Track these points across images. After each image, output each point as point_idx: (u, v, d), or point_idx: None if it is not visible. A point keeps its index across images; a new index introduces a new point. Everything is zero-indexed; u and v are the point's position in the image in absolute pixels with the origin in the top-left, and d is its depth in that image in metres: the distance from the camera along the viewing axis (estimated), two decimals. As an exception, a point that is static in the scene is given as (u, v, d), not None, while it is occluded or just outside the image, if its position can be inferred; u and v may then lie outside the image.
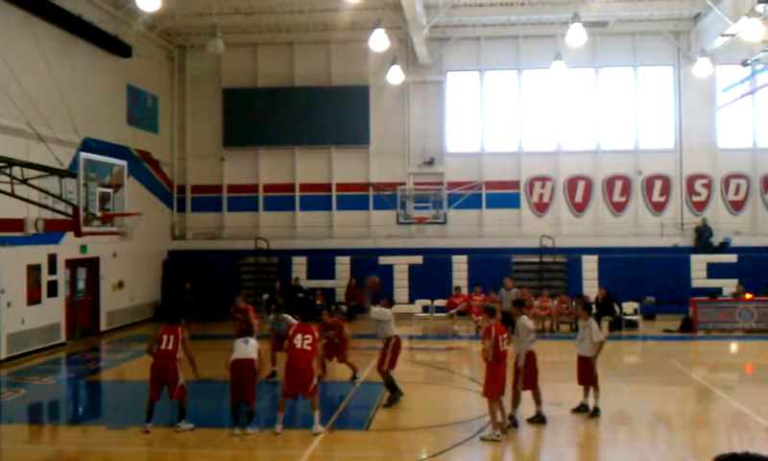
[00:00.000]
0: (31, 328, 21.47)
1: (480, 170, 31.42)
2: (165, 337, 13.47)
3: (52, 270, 22.74)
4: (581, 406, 14.15)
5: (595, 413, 13.90)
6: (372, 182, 31.79)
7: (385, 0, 26.89)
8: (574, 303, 20.89)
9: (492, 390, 12.62)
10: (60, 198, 16.30)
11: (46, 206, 17.10)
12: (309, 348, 13.24)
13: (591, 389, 14.08)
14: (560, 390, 15.27)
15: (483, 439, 12.51)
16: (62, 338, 23.16)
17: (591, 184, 31.27)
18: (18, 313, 20.90)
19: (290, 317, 17.24)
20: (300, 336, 13.35)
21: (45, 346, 22.07)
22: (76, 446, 13.11)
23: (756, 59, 25.65)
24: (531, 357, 13.51)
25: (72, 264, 24.26)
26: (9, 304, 20.54)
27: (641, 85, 31.23)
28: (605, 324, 25.35)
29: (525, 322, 13.69)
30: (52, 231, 21.55)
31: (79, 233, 15.72)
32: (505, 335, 12.78)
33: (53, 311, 22.74)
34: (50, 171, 16.42)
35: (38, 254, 21.97)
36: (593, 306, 25.41)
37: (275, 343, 17.45)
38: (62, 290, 23.39)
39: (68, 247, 23.06)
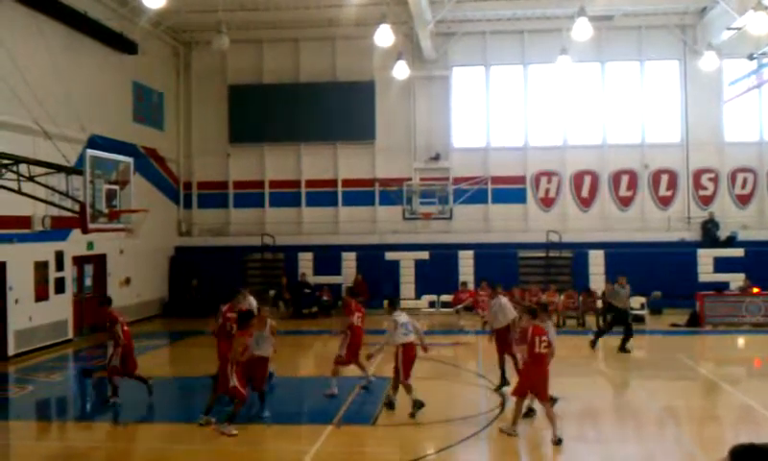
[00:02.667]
0: (38, 325, 21.54)
1: (486, 165, 31.40)
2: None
3: (59, 267, 22.81)
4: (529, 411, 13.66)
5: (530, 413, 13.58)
6: (378, 178, 31.79)
7: (390, -5, 26.87)
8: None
9: (520, 388, 12.64)
10: (66, 195, 16.36)
11: (53, 204, 17.18)
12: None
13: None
14: (565, 385, 15.23)
15: (501, 430, 12.62)
16: (70, 335, 23.23)
17: (598, 179, 31.22)
18: (26, 310, 20.97)
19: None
20: (357, 315, 15.71)
21: (52, 342, 22.14)
22: (82, 442, 13.15)
23: (763, 52, 25.58)
24: (406, 349, 13.97)
25: (79, 261, 24.32)
26: (16, 301, 20.60)
27: (647, 80, 31.14)
28: (610, 318, 25.31)
29: (396, 316, 14.17)
30: (59, 228, 21.73)
31: (86, 230, 15.77)
32: (544, 338, 12.46)
33: (60, 308, 22.80)
34: (56, 168, 16.48)
35: (46, 250, 22.04)
36: (598, 301, 25.61)
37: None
38: (70, 287, 23.46)
39: (75, 244, 23.12)
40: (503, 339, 15.70)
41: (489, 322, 16.45)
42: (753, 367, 20.36)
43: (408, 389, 13.88)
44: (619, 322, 20.96)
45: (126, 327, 15.71)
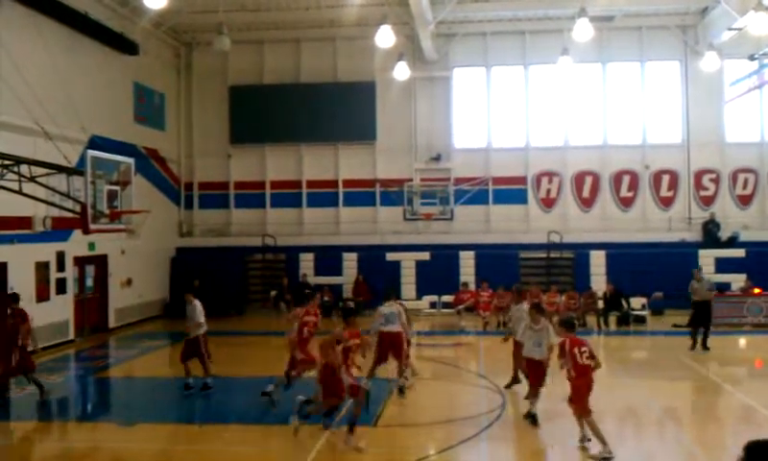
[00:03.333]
0: (40, 326, 21.36)
1: (487, 166, 31.39)
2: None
3: (60, 267, 22.82)
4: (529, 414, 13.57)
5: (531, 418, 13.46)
6: (379, 179, 31.77)
7: (391, -4, 26.90)
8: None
9: (582, 407, 12.00)
10: (67, 196, 16.37)
11: (54, 204, 17.19)
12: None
13: (534, 395, 13.63)
14: (567, 385, 15.20)
15: (592, 457, 11.70)
16: (71, 335, 23.24)
17: (599, 179, 31.20)
18: (27, 310, 20.90)
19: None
20: None
21: (54, 343, 22.11)
22: (85, 442, 13.15)
23: (764, 52, 25.55)
24: (380, 337, 15.13)
25: (80, 261, 24.32)
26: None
27: (648, 80, 31.12)
28: (612, 319, 25.34)
29: (381, 308, 15.51)
30: (60, 229, 21.72)
31: (87, 231, 15.78)
32: (584, 349, 12.05)
33: (61, 308, 22.81)
34: (57, 169, 16.48)
35: (47, 251, 22.04)
36: (601, 302, 25.64)
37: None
38: (71, 287, 23.47)
39: (76, 244, 23.13)
40: (519, 349, 15.24)
41: (510, 327, 16.15)
42: (754, 367, 20.35)
43: (370, 374, 14.86)
44: (700, 317, 21.05)
45: (30, 327, 15.88)
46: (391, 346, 15.19)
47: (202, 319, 16.34)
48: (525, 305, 15.82)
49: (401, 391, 15.26)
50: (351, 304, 17.47)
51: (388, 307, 15.36)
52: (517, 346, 15.43)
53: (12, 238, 20.41)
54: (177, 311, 29.19)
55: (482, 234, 30.81)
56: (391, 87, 31.21)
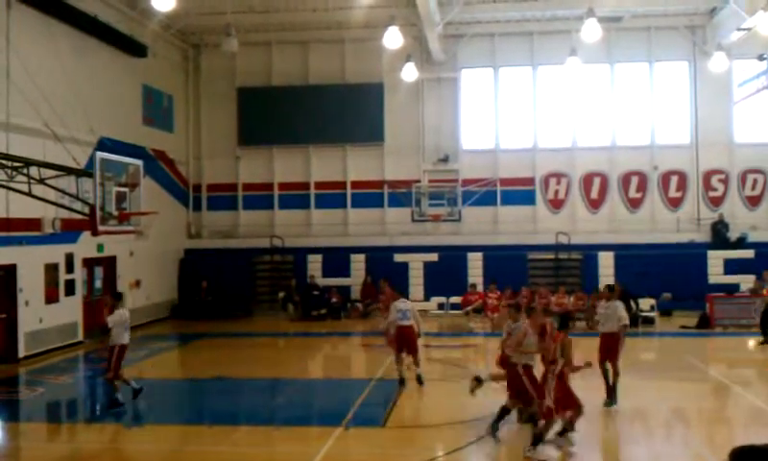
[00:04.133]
0: (49, 327, 21.62)
1: (495, 167, 31.34)
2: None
3: (69, 269, 22.89)
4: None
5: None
6: (387, 180, 31.76)
7: (399, -3, 26.92)
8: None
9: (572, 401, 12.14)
10: (76, 197, 16.44)
11: (63, 206, 17.27)
12: None
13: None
14: (574, 386, 15.17)
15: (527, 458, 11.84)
16: (80, 337, 23.30)
17: (607, 180, 31.12)
18: (36, 312, 21.05)
19: None
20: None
21: (63, 344, 22.22)
22: (94, 444, 13.20)
23: (773, 53, 25.45)
24: (398, 330, 16.45)
25: (89, 263, 24.38)
26: (27, 303, 20.68)
27: (657, 81, 31.02)
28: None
29: (397, 303, 16.76)
30: (69, 231, 21.81)
31: (95, 232, 15.85)
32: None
33: (70, 310, 22.88)
34: (67, 171, 16.56)
35: (56, 253, 22.12)
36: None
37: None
38: (80, 289, 23.53)
39: (85, 246, 23.20)
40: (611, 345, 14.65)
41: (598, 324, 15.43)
42: (763, 369, 20.27)
43: (397, 362, 16.48)
44: None
45: None
46: (407, 339, 16.41)
47: (115, 325, 15.45)
48: (617, 303, 15.12)
49: (420, 381, 16.28)
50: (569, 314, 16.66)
51: (402, 304, 16.63)
52: (607, 346, 14.73)
53: (21, 240, 20.50)
54: (185, 313, 29.46)
55: (490, 236, 30.75)
56: (399, 89, 31.19)
